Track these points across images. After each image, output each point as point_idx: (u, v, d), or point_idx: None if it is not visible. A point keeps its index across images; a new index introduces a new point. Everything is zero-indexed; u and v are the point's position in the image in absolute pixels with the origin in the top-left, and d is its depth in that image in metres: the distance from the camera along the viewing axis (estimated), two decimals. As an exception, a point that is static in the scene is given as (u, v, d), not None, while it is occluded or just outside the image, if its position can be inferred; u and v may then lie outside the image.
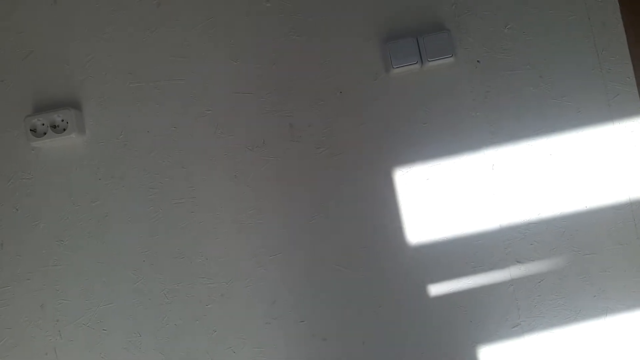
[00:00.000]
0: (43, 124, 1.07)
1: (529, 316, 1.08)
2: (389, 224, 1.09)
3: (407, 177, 1.09)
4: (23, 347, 1.09)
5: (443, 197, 1.09)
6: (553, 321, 1.09)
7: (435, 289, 1.09)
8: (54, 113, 1.07)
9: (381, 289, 1.09)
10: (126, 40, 1.12)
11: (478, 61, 1.10)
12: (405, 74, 1.09)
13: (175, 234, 1.09)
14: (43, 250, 1.10)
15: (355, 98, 1.10)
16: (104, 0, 1.13)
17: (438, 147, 1.09)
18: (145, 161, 1.10)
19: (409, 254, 1.09)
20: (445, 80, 1.10)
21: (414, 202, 1.09)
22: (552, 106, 1.10)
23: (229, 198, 1.09)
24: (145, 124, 1.10)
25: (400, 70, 1.07)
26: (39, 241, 1.10)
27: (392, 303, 1.08)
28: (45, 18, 1.13)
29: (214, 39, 1.11)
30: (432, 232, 1.09)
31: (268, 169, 1.10)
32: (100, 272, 1.09)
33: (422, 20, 1.10)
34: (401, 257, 1.09)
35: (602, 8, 1.11)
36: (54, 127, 1.07)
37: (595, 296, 1.09)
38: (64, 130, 1.07)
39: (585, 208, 1.09)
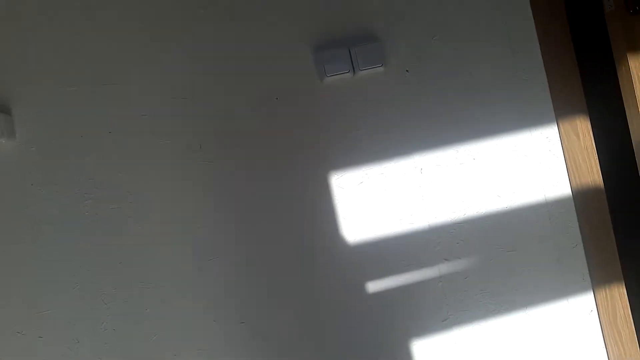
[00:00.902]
0: (-28, 129, 1.04)
1: (456, 310, 1.16)
2: (325, 226, 1.13)
3: (342, 181, 1.14)
4: (-48, 357, 1.06)
5: (376, 199, 1.15)
6: (478, 314, 1.16)
7: (370, 287, 1.14)
8: (-17, 118, 1.04)
9: (319, 288, 1.13)
10: (59, 43, 1.10)
11: (407, 70, 1.16)
12: (338, 82, 1.14)
13: (113, 239, 1.09)
14: (-26, 258, 1.07)
15: (291, 104, 1.14)
16: (34, 3, 1.11)
17: (370, 152, 1.15)
18: (80, 166, 1.09)
19: (345, 254, 1.14)
20: (376, 88, 1.15)
21: (349, 204, 1.14)
22: (475, 113, 1.17)
23: (166, 202, 1.10)
24: (79, 129, 1.09)
25: (334, 78, 1.12)
26: (-31, 249, 1.07)
27: (329, 301, 1.13)
28: (-24, 21, 1.10)
29: (150, 44, 1.12)
30: (367, 232, 1.14)
31: (205, 173, 1.11)
32: (36, 278, 1.07)
33: (355, 31, 1.15)
34: (338, 257, 1.13)
35: (518, 22, 1.19)
36: (-17, 132, 1.04)
37: (516, 290, 1.17)
38: (-6, 135, 1.04)
39: (506, 208, 1.18)
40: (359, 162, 1.14)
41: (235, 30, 1.13)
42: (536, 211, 1.18)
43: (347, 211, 1.14)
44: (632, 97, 1.19)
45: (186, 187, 1.11)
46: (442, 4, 1.18)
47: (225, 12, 1.13)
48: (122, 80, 1.11)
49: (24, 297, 1.07)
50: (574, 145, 1.19)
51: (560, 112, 1.19)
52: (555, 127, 1.19)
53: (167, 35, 1.12)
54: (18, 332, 1.07)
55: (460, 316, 1.16)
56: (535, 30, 1.19)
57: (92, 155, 1.09)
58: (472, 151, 1.17)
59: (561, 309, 1.18)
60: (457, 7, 1.18)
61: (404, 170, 1.15)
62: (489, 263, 1.17)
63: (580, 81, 1.20)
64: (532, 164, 1.19)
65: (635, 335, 1.20)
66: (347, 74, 1.11)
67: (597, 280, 1.20)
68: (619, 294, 1.20)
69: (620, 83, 1.22)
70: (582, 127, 1.19)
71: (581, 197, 1.19)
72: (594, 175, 1.19)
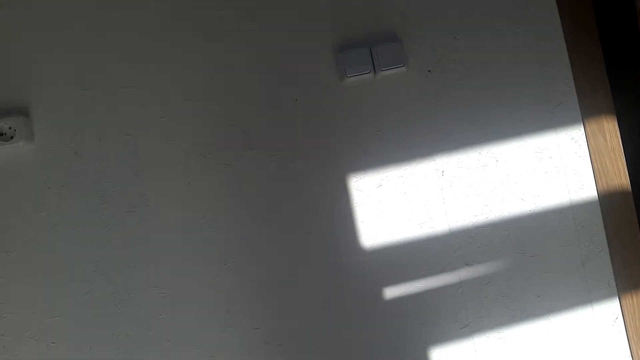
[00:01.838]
0: (-12, 132, 1.03)
1: (476, 317, 1.13)
2: (342, 230, 1.11)
3: (361, 184, 1.12)
4: (-34, 362, 1.05)
5: (395, 202, 1.12)
6: (499, 321, 1.13)
7: (388, 293, 1.11)
8: (1, 120, 1.03)
9: (335, 294, 1.10)
10: (77, 46, 1.09)
11: (429, 71, 1.13)
12: (358, 83, 1.11)
13: (127, 243, 1.07)
14: (-12, 262, 1.06)
15: (310, 106, 1.12)
16: (53, 5, 1.10)
17: (390, 155, 1.12)
18: (97, 170, 1.08)
19: (363, 258, 1.11)
20: (397, 89, 1.13)
21: (368, 208, 1.12)
22: (498, 115, 1.14)
23: (181, 206, 1.08)
24: (96, 132, 1.08)
25: (354, 79, 1.09)
26: (-17, 252, 1.06)
27: (345, 308, 1.10)
28: (-10, 22, 1.09)
29: (166, 47, 1.10)
30: (385, 237, 1.12)
31: (222, 177, 1.09)
32: (49, 283, 1.06)
33: (375, 31, 1.13)
34: (355, 262, 1.11)
35: (544, 21, 1.16)
36: (1, 134, 1.03)
37: (539, 296, 1.14)
38: (12, 138, 1.03)
39: (529, 212, 1.14)
40: (379, 165, 1.12)
41: (254, 32, 1.11)
42: (561, 215, 1.15)
43: (366, 215, 1.11)
44: (661, 97, 1.15)
45: (203, 191, 1.09)
46: (464, 2, 1.14)
47: (245, 13, 1.11)
48: (140, 82, 1.09)
49: (37, 302, 1.06)
50: (600, 146, 1.15)
51: (587, 112, 1.15)
52: (582, 128, 1.16)
53: (185, 37, 1.10)
54: (31, 338, 1.05)
55: (480, 323, 1.13)
56: (561, 28, 1.16)
57: (109, 159, 1.08)
58: (495, 153, 1.14)
59: (585, 316, 1.15)
60: (479, 7, 1.15)
61: (425, 172, 1.13)
62: (511, 268, 1.14)
63: (608, 81, 1.16)
64: (557, 166, 1.15)
65: (663, 343, 1.17)
66: (368, 74, 1.08)
67: (623, 286, 1.16)
68: (646, 300, 1.16)
69: (649, 83, 1.18)
70: (610, 128, 1.16)
71: (607, 200, 1.15)
72: (620, 178, 1.16)
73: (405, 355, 1.11)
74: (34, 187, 1.07)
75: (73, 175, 1.08)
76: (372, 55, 1.09)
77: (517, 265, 1.14)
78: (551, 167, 1.15)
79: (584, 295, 1.15)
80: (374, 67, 1.09)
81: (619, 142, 1.16)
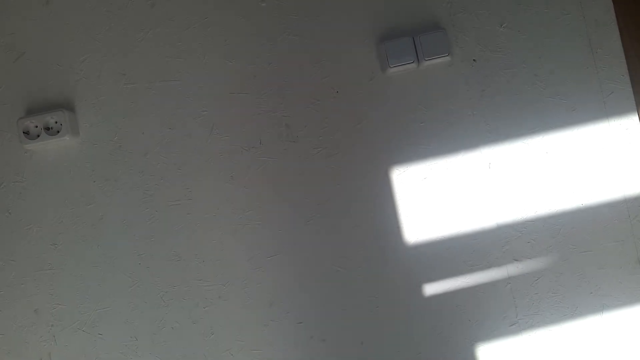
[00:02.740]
0: (36, 127, 1.05)
1: (526, 314, 1.09)
2: (386, 223, 1.09)
3: (405, 177, 1.09)
4: (17, 353, 1.07)
5: (440, 196, 1.09)
6: (550, 318, 1.09)
7: (433, 288, 1.09)
8: (47, 115, 1.05)
9: (379, 288, 1.08)
10: (120, 41, 1.11)
11: (474, 60, 1.10)
12: (401, 73, 1.09)
13: (171, 236, 1.08)
14: (37, 255, 1.08)
15: (352, 97, 1.10)
16: (96, 1, 1.11)
17: (435, 146, 1.09)
18: (140, 163, 1.09)
19: (407, 253, 1.09)
20: (441, 79, 1.10)
21: (412, 201, 1.09)
22: (547, 104, 1.10)
23: (225, 199, 1.08)
24: (139, 126, 1.09)
25: (397, 69, 1.07)
26: (33, 245, 1.08)
27: (390, 303, 1.08)
28: (37, 19, 1.11)
29: (209, 39, 1.11)
30: (430, 231, 1.09)
31: (264, 170, 1.09)
32: (96, 275, 1.08)
33: (418, 20, 1.10)
34: (399, 256, 1.09)
35: (596, 6, 1.12)
36: (47, 129, 1.05)
37: (591, 293, 1.10)
38: (58, 132, 1.05)
39: (581, 205, 1.10)
40: (423, 157, 1.09)
41: (295, 23, 1.10)
42: (614, 208, 1.10)
43: (410, 208, 1.09)
44: None
45: (245, 184, 1.08)
46: (511, -12, 1.11)
47: (287, 5, 1.11)
48: (182, 76, 1.10)
49: (85, 294, 1.08)
50: (657, 137, 1.10)
51: (643, 101, 1.10)
52: (636, 117, 1.10)
53: (227, 30, 1.10)
54: (78, 329, 1.07)
55: (530, 320, 1.09)
56: (614, 12, 1.10)
57: (153, 152, 1.09)
58: (544, 144, 1.10)
59: (641, 314, 1.10)
60: (527, -8, 1.11)
61: (471, 165, 1.09)
62: (561, 264, 1.09)
63: (667, 67, 1.11)
64: (610, 158, 1.10)
65: None
66: (412, 64, 1.06)
67: (681, 284, 1.10)
68: None
69: None
70: (667, 118, 1.10)
71: (665, 193, 1.10)
72: (679, 170, 1.10)
73: (452, 352, 1.08)
74: (79, 181, 1.09)
75: (117, 168, 1.09)
76: (416, 44, 1.06)
77: (568, 261, 1.09)
78: (604, 159, 1.10)
79: (639, 292, 1.10)
80: (417, 57, 1.06)
81: (677, 131, 1.10)
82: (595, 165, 1.10)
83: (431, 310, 1.08)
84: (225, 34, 1.11)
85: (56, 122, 1.05)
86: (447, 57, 1.07)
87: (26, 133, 1.05)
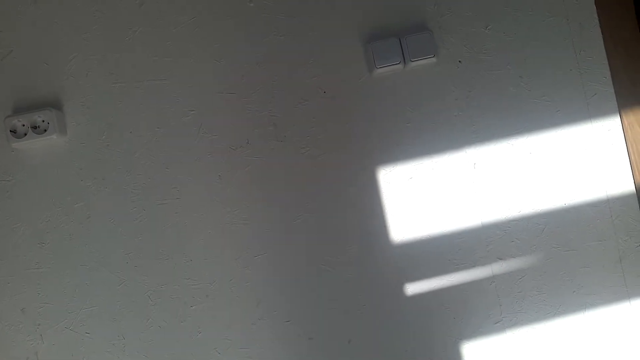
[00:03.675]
0: (23, 125, 1.05)
1: (510, 312, 1.10)
2: (373, 222, 1.10)
3: (391, 176, 1.10)
4: (3, 351, 1.07)
5: (426, 195, 1.11)
6: (534, 317, 1.11)
7: (419, 287, 1.10)
8: (35, 114, 1.05)
9: (366, 287, 1.09)
10: (108, 39, 1.11)
11: (460, 61, 1.12)
12: (388, 73, 1.10)
13: (159, 235, 1.08)
14: (24, 254, 1.08)
15: (339, 98, 1.11)
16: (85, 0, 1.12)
17: (421, 146, 1.11)
18: (128, 162, 1.09)
19: (393, 252, 1.10)
20: (427, 80, 1.11)
21: (398, 200, 1.10)
22: (532, 105, 1.12)
23: (213, 198, 1.09)
24: (127, 125, 1.09)
25: (384, 70, 1.08)
26: (20, 244, 1.08)
27: (376, 301, 1.09)
28: (25, 17, 1.11)
29: (198, 39, 1.11)
30: (416, 230, 1.10)
31: (252, 169, 1.10)
32: (83, 274, 1.08)
33: (405, 21, 1.11)
34: (385, 255, 1.10)
35: (579, 9, 1.13)
36: (34, 128, 1.05)
37: (574, 291, 1.11)
38: (45, 131, 1.05)
39: (564, 205, 1.12)
40: (409, 157, 1.10)
41: (283, 23, 1.11)
42: (597, 208, 1.12)
43: (396, 208, 1.10)
44: (702, 86, 1.11)
45: (233, 183, 1.09)
46: (496, -10, 1.13)
47: (274, 5, 1.11)
48: (170, 76, 1.10)
49: (72, 293, 1.08)
50: (638, 137, 1.12)
51: (624, 102, 1.12)
52: (618, 119, 1.12)
53: (216, 30, 1.11)
54: (65, 328, 1.07)
55: (514, 318, 1.11)
56: (597, 16, 1.12)
57: (140, 151, 1.09)
58: (528, 145, 1.11)
59: (623, 312, 1.12)
60: (512, -6, 1.13)
61: (456, 165, 1.11)
62: (545, 263, 1.11)
63: (647, 70, 1.13)
64: (593, 158, 1.12)
65: None
66: (398, 65, 1.07)
67: (662, 282, 1.12)
68: (687, 297, 1.12)
69: (691, 71, 1.14)
70: (648, 119, 1.12)
71: (646, 193, 1.12)
72: (660, 170, 1.12)
73: (437, 350, 1.10)
74: (67, 180, 1.09)
75: (105, 167, 1.09)
76: (402, 45, 1.07)
77: (551, 259, 1.11)
78: (587, 159, 1.12)
79: (621, 290, 1.12)
80: (403, 58, 1.07)
81: (658, 132, 1.12)
82: (578, 166, 1.12)
83: (417, 308, 1.10)
84: (213, 34, 1.11)
85: (43, 121, 1.05)
86: (433, 58, 1.08)
87: (13, 132, 1.05)
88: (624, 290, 1.12)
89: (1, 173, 1.09)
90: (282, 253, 1.09)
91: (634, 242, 1.12)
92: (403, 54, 1.07)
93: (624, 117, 1.12)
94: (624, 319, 1.12)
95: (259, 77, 1.10)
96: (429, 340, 1.10)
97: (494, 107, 1.11)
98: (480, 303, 1.10)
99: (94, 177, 1.09)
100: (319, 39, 1.11)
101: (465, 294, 1.10)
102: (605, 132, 1.12)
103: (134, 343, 1.07)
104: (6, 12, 1.11)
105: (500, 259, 1.11)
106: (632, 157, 1.12)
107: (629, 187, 1.12)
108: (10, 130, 1.04)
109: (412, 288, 1.10)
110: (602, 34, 1.13)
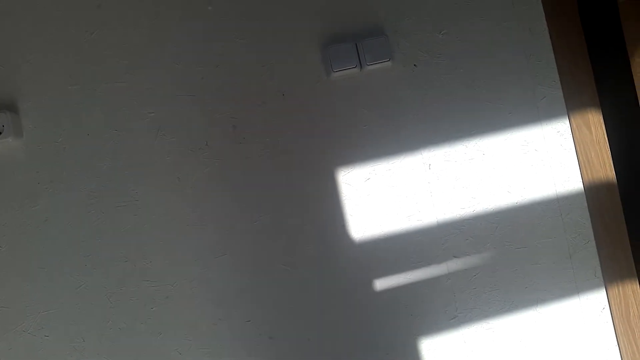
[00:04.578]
0: (-23, 128, 1.04)
1: (465, 308, 1.14)
2: (332, 223, 1.12)
3: (349, 178, 1.13)
4: (-41, 357, 1.06)
5: (383, 196, 1.13)
6: (488, 312, 1.14)
7: (378, 285, 1.13)
8: (-10, 116, 1.04)
9: (325, 286, 1.11)
10: (65, 41, 1.10)
11: (415, 65, 1.14)
12: (345, 77, 1.12)
13: (118, 237, 1.08)
14: (-20, 257, 1.07)
15: (298, 100, 1.13)
16: (43, 1, 1.10)
17: (378, 148, 1.13)
18: (86, 165, 1.09)
19: (352, 251, 1.12)
20: (384, 83, 1.14)
21: (356, 201, 1.13)
22: (484, 108, 1.15)
23: (172, 201, 1.09)
24: (85, 127, 1.09)
25: (340, 73, 1.10)
26: (-25, 248, 1.07)
27: (336, 300, 1.11)
28: (-21, 19, 1.10)
29: (156, 42, 1.11)
30: (374, 230, 1.13)
31: (211, 171, 1.10)
32: (42, 277, 1.07)
33: (362, 25, 1.14)
34: (344, 254, 1.12)
35: (529, 16, 1.17)
36: (-11, 130, 1.04)
37: (527, 287, 1.15)
38: (0, 133, 1.04)
39: (516, 204, 1.16)
40: (366, 159, 1.13)
41: (241, 27, 1.12)
42: (547, 207, 1.16)
43: (354, 208, 1.12)
44: (645, 90, 1.16)
45: (192, 185, 1.10)
46: (450, -4, 1.16)
47: (232, 8, 1.12)
48: (128, 78, 1.10)
49: (30, 296, 1.07)
50: (585, 139, 1.17)
51: (572, 105, 1.17)
52: (567, 121, 1.17)
53: (174, 32, 1.11)
54: (23, 332, 1.06)
55: (469, 314, 1.14)
56: (545, 23, 1.17)
57: (98, 154, 1.09)
58: (481, 146, 1.15)
59: (573, 307, 1.16)
60: (464, 1, 1.16)
61: (412, 166, 1.14)
62: (498, 260, 1.15)
63: (592, 73, 1.17)
64: (543, 159, 1.16)
65: (649, 333, 1.18)
66: (354, 69, 1.09)
67: (610, 277, 1.17)
68: (632, 291, 1.18)
69: (633, 75, 1.19)
70: (594, 121, 1.17)
71: (593, 192, 1.17)
72: (606, 170, 1.17)
73: (395, 347, 1.12)
74: (23, 183, 1.08)
75: (62, 170, 1.08)
76: (358, 50, 1.10)
77: (504, 257, 1.15)
78: (537, 160, 1.16)
79: (571, 286, 1.17)
80: (360, 62, 1.10)
81: (604, 134, 1.17)
82: (529, 166, 1.16)
83: (376, 306, 1.12)
84: (172, 36, 1.11)
85: (-1, 124, 1.04)
86: (388, 62, 1.10)
87: (-33, 134, 1.04)
88: (574, 286, 1.17)
89: (-44, 176, 1.08)
90: (242, 254, 1.10)
91: (582, 239, 1.17)
92: (359, 58, 1.09)
93: (572, 119, 1.17)
94: (573, 314, 1.16)
95: (218, 80, 1.11)
96: (387, 336, 1.12)
97: (448, 110, 1.15)
98: (437, 300, 1.13)
99: (51, 180, 1.08)
100: (278, 42, 1.13)
101: (422, 291, 1.13)
102: (554, 134, 1.17)
103: (93, 345, 1.07)
104: (-40, 13, 1.10)
105: (456, 256, 1.14)
106: (581, 158, 1.17)
107: (578, 186, 1.17)
108: (-36, 133, 1.03)
109: (371, 286, 1.12)
110: (551, 39, 1.17)
